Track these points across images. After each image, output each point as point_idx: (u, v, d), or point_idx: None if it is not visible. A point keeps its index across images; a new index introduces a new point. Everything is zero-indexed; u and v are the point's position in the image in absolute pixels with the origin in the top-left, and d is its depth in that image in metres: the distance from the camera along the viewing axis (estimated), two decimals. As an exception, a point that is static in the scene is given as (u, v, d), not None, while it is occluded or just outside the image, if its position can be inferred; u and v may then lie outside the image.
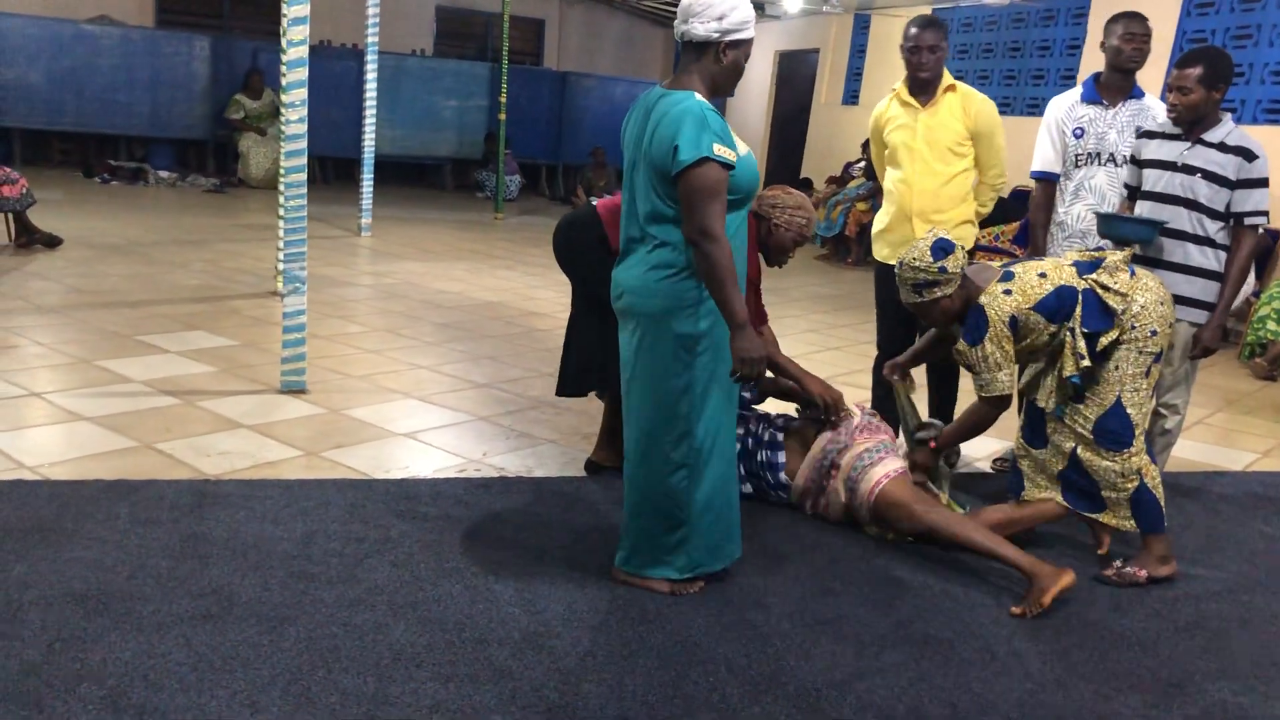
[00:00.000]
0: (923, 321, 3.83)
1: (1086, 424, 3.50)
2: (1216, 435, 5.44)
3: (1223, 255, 3.94)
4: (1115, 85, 4.33)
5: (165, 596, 2.79)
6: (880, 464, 3.68)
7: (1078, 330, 3.43)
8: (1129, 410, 3.46)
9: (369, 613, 2.81)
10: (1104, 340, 3.43)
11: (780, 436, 3.90)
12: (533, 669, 2.62)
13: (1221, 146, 3.87)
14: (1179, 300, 3.89)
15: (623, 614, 2.95)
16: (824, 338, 7.14)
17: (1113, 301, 3.42)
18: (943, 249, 3.52)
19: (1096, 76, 4.40)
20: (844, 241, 11.19)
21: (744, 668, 2.72)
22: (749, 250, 3.53)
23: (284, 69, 4.61)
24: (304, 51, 4.62)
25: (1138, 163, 4.13)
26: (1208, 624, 3.23)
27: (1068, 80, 9.89)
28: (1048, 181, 4.46)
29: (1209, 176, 3.88)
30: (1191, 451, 5.08)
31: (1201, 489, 4.52)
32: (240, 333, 5.72)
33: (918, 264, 3.53)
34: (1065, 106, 4.42)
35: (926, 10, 11.63)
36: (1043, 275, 3.51)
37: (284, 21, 4.57)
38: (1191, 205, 3.92)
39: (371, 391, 4.90)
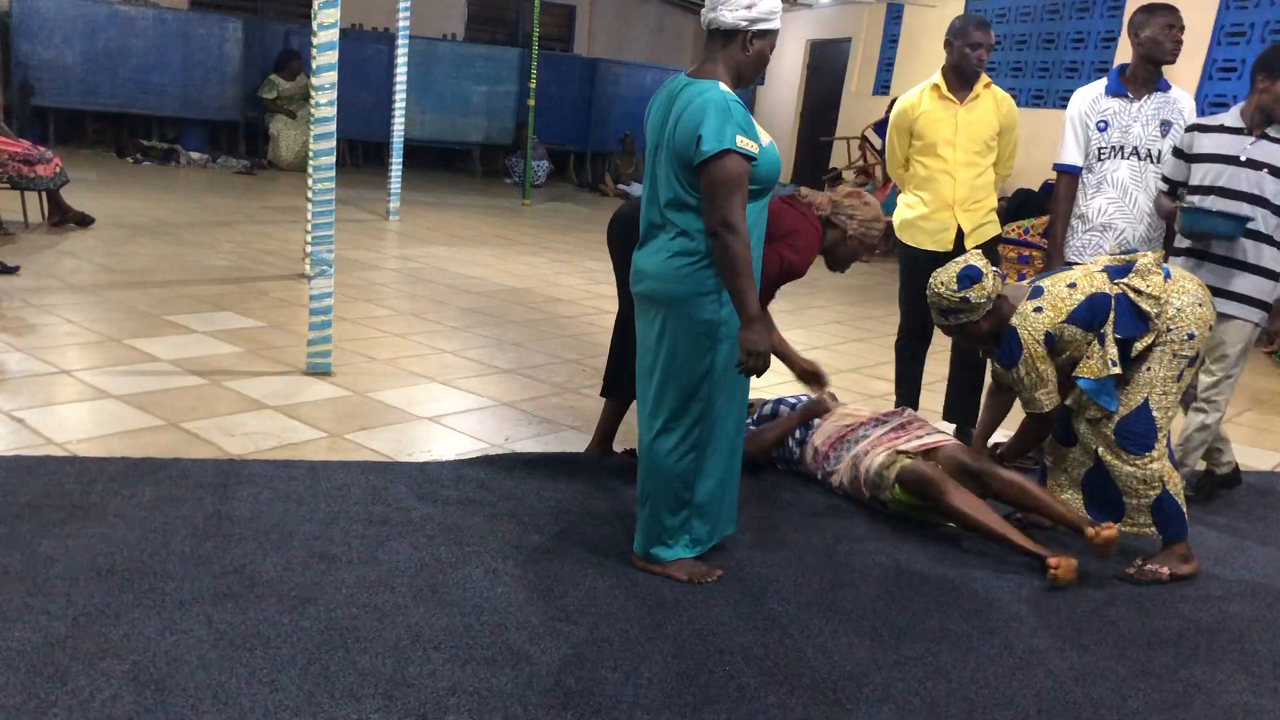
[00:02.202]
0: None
1: (1109, 424, 3.45)
2: (1246, 435, 5.37)
3: (1274, 254, 3.91)
4: (1144, 78, 4.29)
5: (188, 574, 2.82)
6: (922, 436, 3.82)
7: (1109, 335, 3.38)
8: (1155, 413, 3.42)
9: (389, 594, 2.83)
10: (1139, 345, 3.39)
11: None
12: (550, 654, 2.63)
13: None
14: (1236, 298, 3.91)
15: (640, 601, 2.96)
16: (849, 329, 7.10)
17: (1146, 305, 3.37)
18: (969, 277, 3.48)
19: (1122, 69, 4.36)
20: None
21: (760, 657, 2.72)
22: (806, 251, 3.54)
23: (314, 52, 4.63)
24: (334, 35, 4.63)
25: (1186, 157, 4.08)
26: (1230, 625, 3.20)
27: (1102, 73, 9.75)
28: (1071, 174, 4.43)
29: (1275, 172, 3.86)
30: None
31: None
32: (267, 314, 5.76)
33: (943, 291, 3.52)
34: (1089, 99, 4.38)
35: (958, 1, 11.53)
36: (1072, 285, 3.47)
37: (315, 4, 4.59)
38: (1257, 201, 3.88)
39: (396, 375, 4.93)
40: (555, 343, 5.87)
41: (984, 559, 3.47)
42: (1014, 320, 3.47)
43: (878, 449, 3.79)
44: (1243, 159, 3.92)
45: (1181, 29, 4.20)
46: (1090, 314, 3.40)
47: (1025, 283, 3.63)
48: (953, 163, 4.48)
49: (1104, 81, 4.40)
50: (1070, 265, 4.04)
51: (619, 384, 3.92)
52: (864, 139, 12.38)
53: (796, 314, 7.22)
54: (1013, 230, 9.55)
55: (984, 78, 4.52)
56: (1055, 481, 3.70)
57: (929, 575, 3.33)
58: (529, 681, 2.50)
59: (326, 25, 4.59)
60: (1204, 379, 4.05)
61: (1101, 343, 3.39)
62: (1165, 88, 4.29)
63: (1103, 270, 3.51)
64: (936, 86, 4.53)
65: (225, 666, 2.41)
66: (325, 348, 4.79)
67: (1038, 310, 3.44)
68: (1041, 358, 3.42)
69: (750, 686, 2.58)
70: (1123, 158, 4.28)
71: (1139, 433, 3.42)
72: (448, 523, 3.33)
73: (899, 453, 3.73)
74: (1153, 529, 3.49)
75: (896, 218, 4.69)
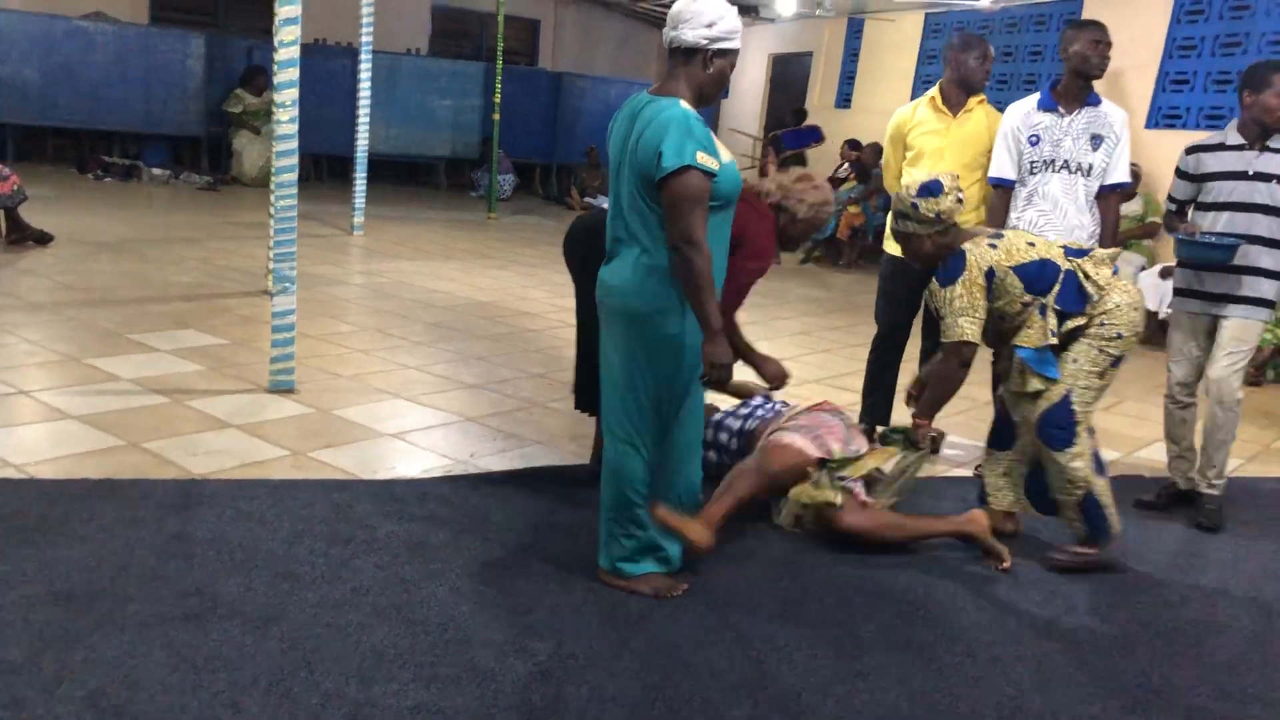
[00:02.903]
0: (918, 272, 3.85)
1: (1033, 416, 3.60)
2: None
3: (1273, 257, 4.07)
4: (1074, 93, 4.37)
5: (148, 596, 2.80)
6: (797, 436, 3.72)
7: (1050, 307, 3.50)
8: (1075, 407, 3.53)
9: (353, 613, 2.82)
10: (1070, 324, 3.51)
11: (759, 410, 4.02)
12: (515, 671, 2.63)
13: None
14: (1256, 302, 4.10)
15: (606, 616, 2.96)
16: (815, 340, 7.15)
17: (1090, 288, 3.50)
18: (929, 189, 3.57)
19: (1054, 84, 4.43)
20: (835, 244, 11.20)
21: (726, 671, 2.73)
22: (764, 249, 3.63)
23: (276, 68, 4.61)
24: (295, 52, 4.62)
25: (1191, 177, 4.26)
26: (1187, 630, 3.25)
27: (1060, 85, 9.91)
28: (1004, 187, 4.50)
29: None
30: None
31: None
32: (230, 331, 5.72)
33: (903, 193, 3.64)
34: (1022, 114, 4.46)
35: (918, 15, 11.67)
36: (1031, 244, 3.59)
37: (276, 20, 4.58)
38: (1270, 211, 4.06)
39: (360, 391, 4.91)
40: (521, 357, 5.87)
41: (946, 569, 3.51)
42: (966, 245, 3.57)
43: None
44: (1251, 173, 4.08)
45: (1109, 45, 4.30)
46: (1038, 274, 3.50)
47: (988, 229, 3.76)
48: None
49: (1037, 96, 4.48)
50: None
51: (591, 395, 3.93)
52: (769, 142, 12.59)
53: (763, 325, 7.26)
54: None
55: (980, 95, 4.67)
56: (996, 492, 3.82)
57: (892, 586, 3.36)
58: (494, 699, 2.50)
59: (287, 43, 4.58)
60: (1218, 370, 4.17)
61: (1043, 313, 3.50)
62: (1095, 102, 4.37)
63: (1061, 247, 3.63)
64: (933, 99, 4.68)
65: (186, 690, 2.39)
66: (288, 365, 4.76)
67: (992, 247, 3.56)
68: (980, 286, 3.50)
69: (715, 701, 2.59)
70: (1054, 171, 4.37)
71: (1060, 426, 3.53)
72: (412, 540, 3.32)
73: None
74: (1082, 525, 3.63)
75: (887, 227, 4.77)
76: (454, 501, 3.69)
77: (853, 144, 11.84)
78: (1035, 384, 3.55)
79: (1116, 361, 3.54)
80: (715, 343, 2.86)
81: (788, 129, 12.71)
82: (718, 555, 3.36)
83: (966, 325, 3.50)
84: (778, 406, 4.04)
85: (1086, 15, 9.53)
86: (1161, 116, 9.07)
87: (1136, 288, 3.62)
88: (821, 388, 5.73)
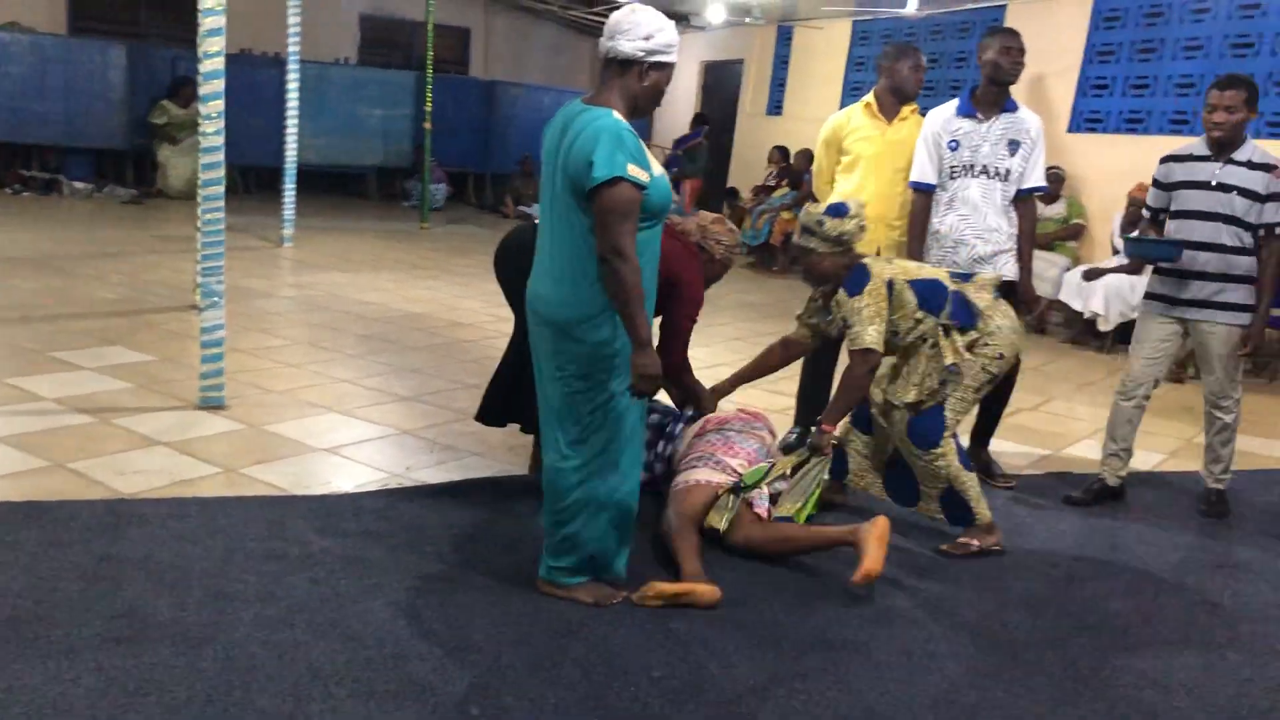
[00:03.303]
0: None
1: (904, 418, 3.81)
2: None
3: (1252, 263, 4.25)
4: (991, 99, 4.50)
5: (76, 620, 2.73)
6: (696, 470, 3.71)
7: (951, 327, 3.75)
8: (947, 414, 3.78)
9: (288, 631, 2.79)
10: (964, 338, 3.76)
11: (679, 428, 4.01)
12: (454, 684, 2.61)
13: (1250, 164, 4.20)
14: (1224, 306, 4.26)
15: (545, 626, 2.96)
16: (750, 345, 7.20)
17: (976, 307, 3.79)
18: (836, 210, 3.76)
19: (972, 91, 4.55)
20: (769, 250, 11.31)
21: (665, 677, 2.74)
22: (697, 287, 3.83)
23: (201, 80, 4.54)
24: (220, 63, 4.55)
25: (1163, 186, 4.42)
26: (1113, 622, 3.33)
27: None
28: (925, 192, 4.61)
29: (1243, 193, 4.19)
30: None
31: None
32: (158, 347, 5.61)
33: (811, 209, 3.82)
34: (942, 120, 4.58)
35: (846, 23, 11.83)
36: (920, 266, 3.92)
37: (200, 31, 4.51)
38: (1230, 220, 4.22)
39: (292, 406, 4.84)
40: (456, 368, 5.84)
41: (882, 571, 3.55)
42: (865, 259, 3.80)
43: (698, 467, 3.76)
44: (1213, 184, 4.23)
45: (1021, 51, 4.45)
46: (930, 293, 3.76)
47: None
48: (877, 181, 4.71)
49: (956, 103, 4.60)
50: None
51: (499, 410, 4.04)
52: (675, 146, 13.11)
53: (698, 331, 7.24)
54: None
55: (913, 104, 4.80)
56: (860, 469, 4.08)
57: (829, 586, 3.40)
58: (433, 712, 2.48)
59: (212, 53, 4.51)
60: (1215, 384, 4.35)
61: (947, 334, 3.74)
62: (1013, 108, 4.51)
63: (946, 271, 3.93)
64: (869, 105, 4.79)
65: (117, 714, 2.35)
66: (218, 381, 4.69)
67: (889, 262, 3.85)
68: (883, 295, 3.71)
69: (655, 707, 2.60)
70: (973, 176, 4.49)
71: (927, 429, 3.77)
72: (348, 556, 3.29)
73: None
74: (942, 516, 3.86)
75: None
76: (390, 515, 3.66)
77: (782, 150, 11.98)
78: (912, 395, 3.78)
79: (993, 380, 3.82)
80: (644, 354, 2.86)
81: (681, 135, 13.39)
82: (655, 563, 3.38)
83: (874, 333, 3.68)
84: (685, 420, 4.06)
85: (1009, 22, 9.75)
86: (1083, 121, 9.29)
87: (1014, 314, 3.90)
88: (758, 392, 5.77)
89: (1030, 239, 4.57)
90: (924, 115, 4.75)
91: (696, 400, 4.06)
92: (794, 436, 4.79)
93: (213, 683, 2.51)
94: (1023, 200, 4.51)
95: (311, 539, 3.38)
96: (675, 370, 3.89)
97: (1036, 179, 4.51)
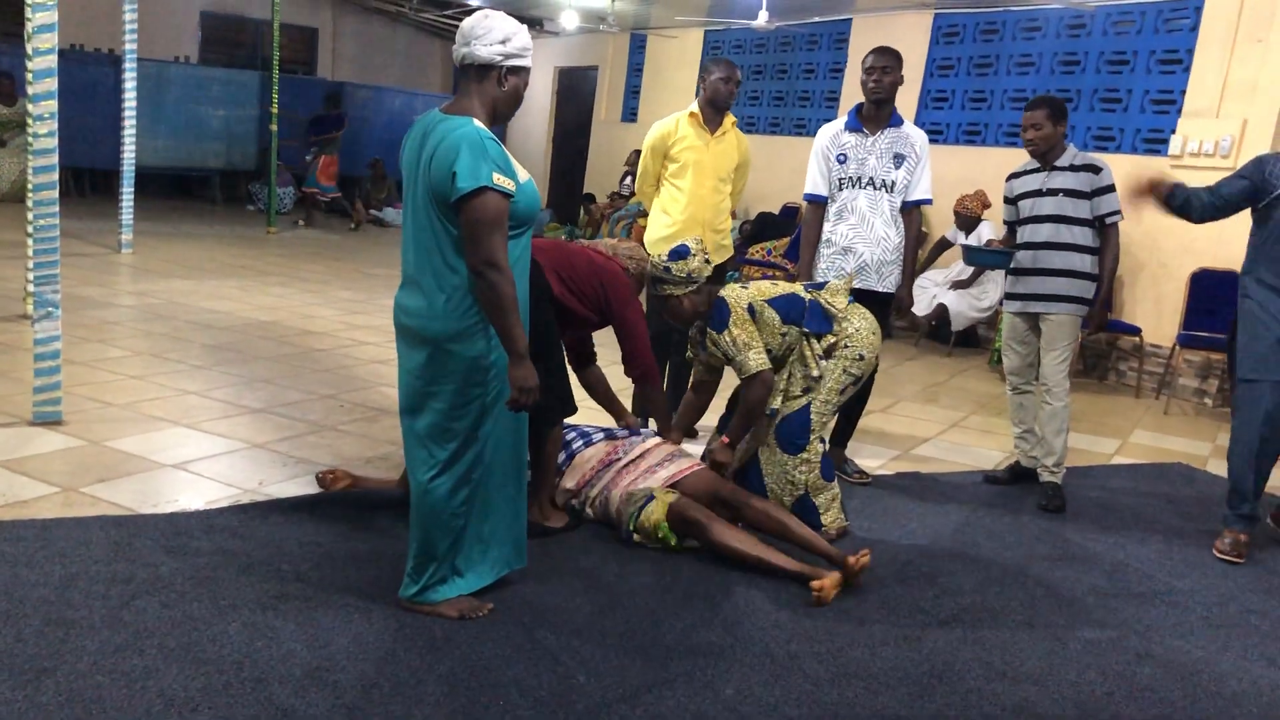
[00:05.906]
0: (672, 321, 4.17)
1: (770, 425, 3.98)
2: (971, 436, 5.85)
3: (1093, 259, 4.67)
4: (872, 115, 4.77)
5: (-100, 656, 2.56)
6: (669, 465, 3.91)
7: (809, 334, 3.97)
8: (813, 416, 3.99)
9: (138, 658, 2.66)
10: (821, 344, 3.99)
11: (579, 444, 4.03)
12: (315, 706, 2.54)
13: (1072, 168, 4.65)
14: (1064, 299, 4.66)
15: (410, 642, 2.91)
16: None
17: (832, 312, 4.01)
18: (678, 253, 3.95)
19: (859, 107, 4.82)
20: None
21: (534, 688, 2.73)
22: (628, 283, 3.92)
23: (30, 79, 4.30)
24: (52, 61, 4.32)
25: (1011, 200, 4.86)
26: (964, 617, 3.47)
27: (831, 102, 10.42)
28: (817, 203, 4.85)
29: (1070, 193, 4.63)
30: (948, 452, 5.46)
31: (960, 487, 4.86)
32: (-16, 360, 5.29)
33: (655, 259, 3.99)
34: (831, 134, 4.84)
35: (698, 32, 12.01)
36: (774, 283, 4.15)
37: (29, 27, 4.27)
38: (1064, 220, 4.66)
39: (135, 420, 4.63)
40: (310, 378, 5.68)
41: (742, 573, 3.62)
42: (722, 292, 4.00)
43: (630, 484, 3.84)
44: (1044, 190, 4.69)
45: (885, 69, 4.69)
46: (789, 306, 4.00)
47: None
48: (704, 188, 4.99)
49: (844, 119, 4.86)
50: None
51: None
52: (311, 130, 13.17)
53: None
54: (756, 251, 10.03)
55: (731, 117, 5.06)
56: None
57: (692, 591, 3.44)
58: (296, 737, 2.41)
59: (43, 50, 4.28)
60: (1047, 367, 4.74)
61: (808, 340, 3.98)
62: (898, 124, 4.79)
63: (800, 284, 4.18)
64: (695, 115, 5.01)
65: (-51, 755, 2.20)
66: (54, 395, 4.45)
67: (744, 288, 4.05)
68: (748, 320, 3.93)
69: (524, 718, 2.59)
70: (860, 188, 4.73)
71: (795, 432, 3.96)
72: (200, 576, 3.16)
73: (654, 493, 3.75)
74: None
75: (649, 235, 5.15)
76: (243, 533, 3.53)
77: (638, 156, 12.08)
78: (777, 402, 3.99)
79: (856, 380, 4.04)
80: (521, 366, 2.84)
81: (317, 116, 13.16)
82: (522, 572, 3.36)
83: (755, 357, 3.90)
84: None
85: (854, 37, 10.07)
86: (925, 132, 9.65)
87: (871, 316, 4.14)
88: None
89: (914, 248, 4.83)
90: (741, 129, 5.15)
91: (660, 414, 4.14)
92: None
93: (55, 716, 2.38)
94: (908, 211, 4.77)
95: (160, 560, 3.24)
96: (649, 375, 4.02)
97: (922, 191, 4.78)
